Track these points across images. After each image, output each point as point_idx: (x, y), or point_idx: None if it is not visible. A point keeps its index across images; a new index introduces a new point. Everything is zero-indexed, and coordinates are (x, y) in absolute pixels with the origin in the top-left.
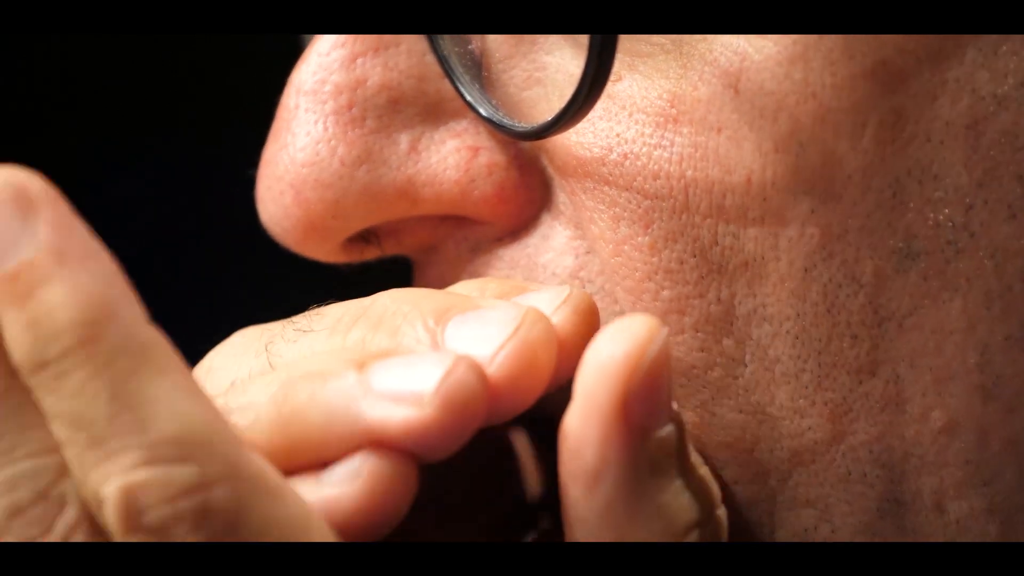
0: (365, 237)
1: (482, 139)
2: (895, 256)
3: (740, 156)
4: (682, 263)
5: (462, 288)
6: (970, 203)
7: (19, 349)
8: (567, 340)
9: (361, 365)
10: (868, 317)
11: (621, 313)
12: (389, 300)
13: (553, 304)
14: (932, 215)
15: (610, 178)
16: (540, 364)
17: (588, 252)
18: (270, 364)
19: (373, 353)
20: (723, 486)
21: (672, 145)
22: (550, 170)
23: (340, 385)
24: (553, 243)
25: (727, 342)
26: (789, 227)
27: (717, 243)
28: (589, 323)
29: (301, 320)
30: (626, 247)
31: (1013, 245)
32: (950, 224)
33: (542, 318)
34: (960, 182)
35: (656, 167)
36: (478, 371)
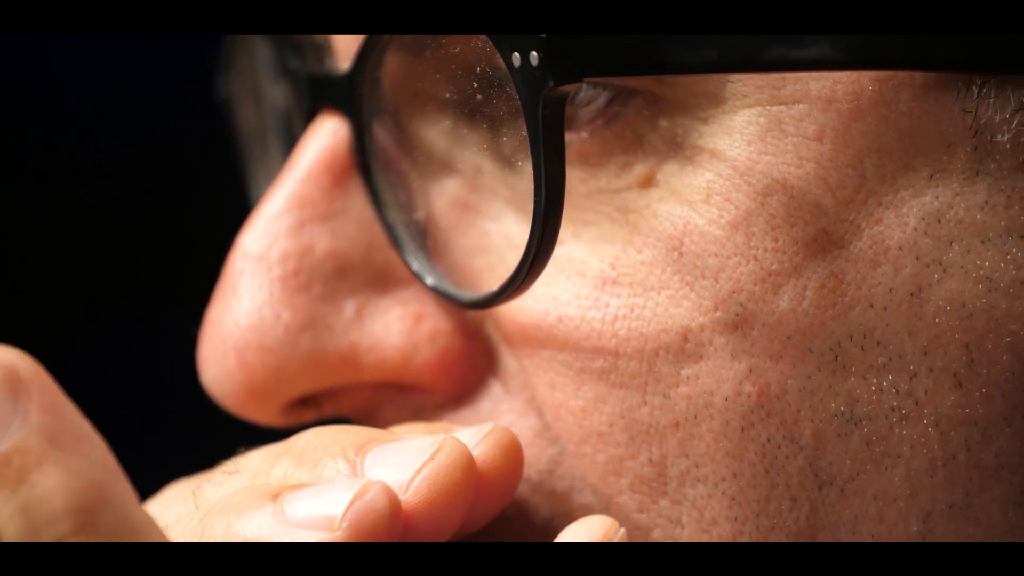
0: (304, 400)
1: (427, 306)
2: (837, 420)
3: (679, 314)
4: (612, 425)
5: (392, 428)
6: (915, 370)
7: (11, 532)
8: (487, 472)
9: (276, 496)
10: (808, 480)
11: (582, 479)
12: (311, 436)
13: (475, 438)
14: (875, 381)
15: (547, 342)
16: (456, 491)
17: (536, 417)
18: (196, 507)
19: (288, 485)
20: None
21: (607, 306)
22: (497, 336)
23: (255, 516)
24: (511, 406)
25: (663, 503)
26: (725, 385)
27: (646, 403)
28: (510, 457)
29: (228, 464)
30: (562, 411)
31: (958, 413)
32: (894, 391)
33: (460, 447)
34: (904, 349)
35: (588, 328)
36: (389, 494)
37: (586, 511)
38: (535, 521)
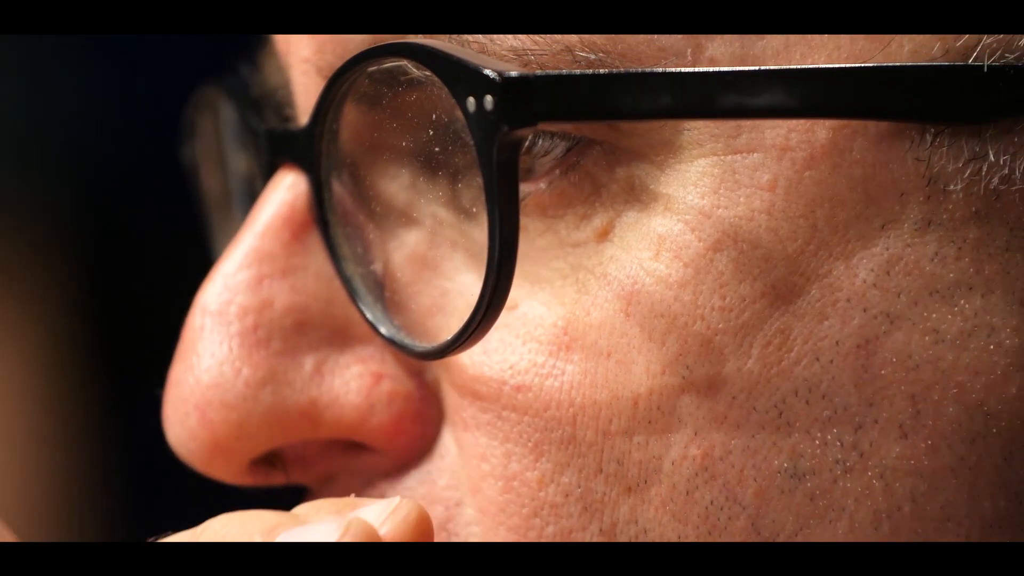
0: (270, 461)
1: (387, 366)
2: (780, 476)
3: (628, 379)
4: (567, 495)
5: (301, 509)
6: (860, 423)
7: None
8: None
9: None
10: (750, 539)
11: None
12: (219, 524)
13: (382, 516)
14: (819, 435)
15: (504, 411)
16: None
17: (458, 504)
18: None
19: None
20: None
21: (563, 374)
22: (451, 401)
23: None
24: (431, 488)
25: None
26: (672, 449)
27: (602, 470)
28: (419, 532)
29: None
30: (515, 483)
31: (903, 465)
32: (839, 443)
33: (365, 528)
34: (850, 401)
35: (547, 397)
36: None
37: None
38: None
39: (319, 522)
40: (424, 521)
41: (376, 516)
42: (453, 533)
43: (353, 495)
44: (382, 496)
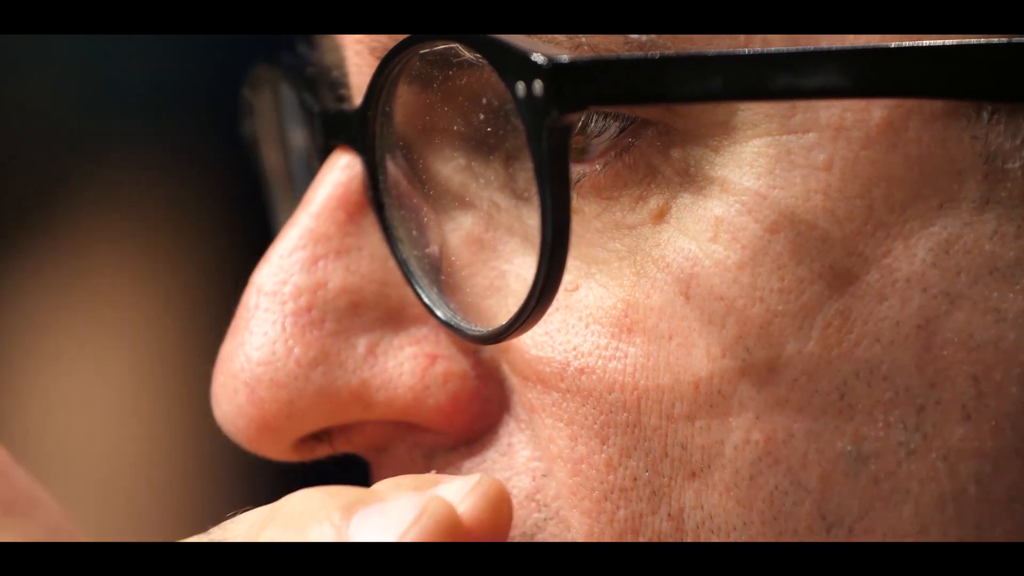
0: (317, 436)
1: (442, 347)
2: (843, 460)
3: (689, 362)
4: (636, 479)
5: (381, 485)
6: (922, 404)
7: None
8: (474, 528)
9: None
10: (816, 523)
11: (574, 541)
12: (298, 500)
13: (461, 492)
14: (882, 417)
15: (568, 393)
16: None
17: (545, 475)
18: None
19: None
20: None
21: (626, 356)
22: (511, 383)
23: None
24: (512, 461)
25: None
26: (735, 433)
27: (667, 454)
28: (498, 510)
29: (216, 531)
30: (583, 465)
31: (968, 446)
32: (901, 426)
33: (444, 508)
34: (911, 383)
35: (611, 379)
36: None
37: None
38: None
39: (397, 500)
40: (503, 499)
41: (455, 493)
42: (543, 504)
43: (434, 472)
44: (444, 470)
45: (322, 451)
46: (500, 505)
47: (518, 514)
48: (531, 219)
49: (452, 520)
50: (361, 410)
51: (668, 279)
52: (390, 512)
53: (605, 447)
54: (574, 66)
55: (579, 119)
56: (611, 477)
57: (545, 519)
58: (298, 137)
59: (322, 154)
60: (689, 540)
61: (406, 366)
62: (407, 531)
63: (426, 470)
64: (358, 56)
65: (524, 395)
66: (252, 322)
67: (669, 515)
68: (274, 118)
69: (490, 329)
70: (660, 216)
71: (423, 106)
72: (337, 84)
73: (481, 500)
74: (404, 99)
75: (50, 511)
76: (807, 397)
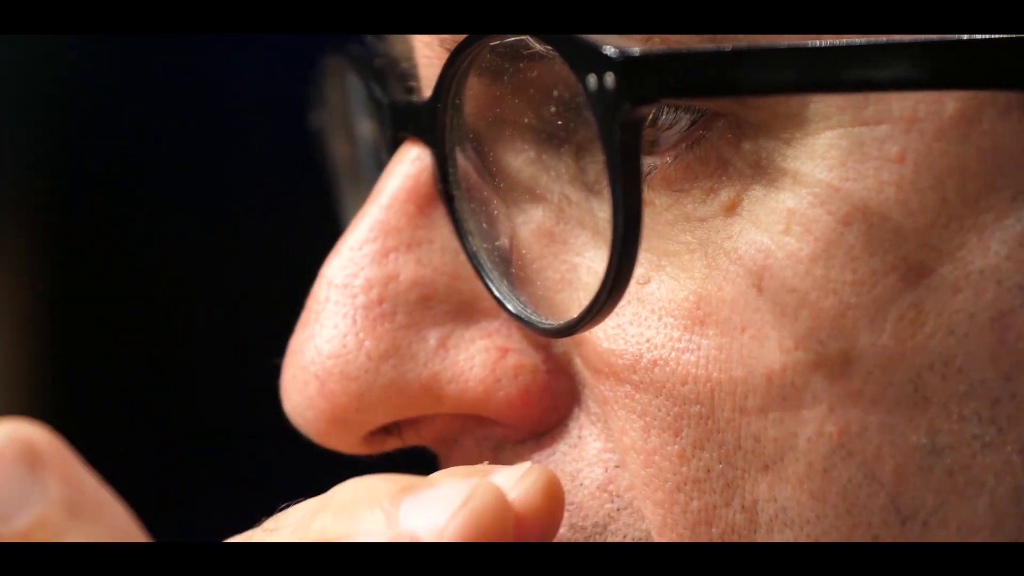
0: (387, 429)
1: (513, 340)
2: (918, 453)
3: (762, 354)
4: (709, 471)
5: (433, 475)
6: (997, 397)
7: None
8: (525, 515)
9: None
10: (890, 517)
11: (647, 531)
12: (348, 488)
13: (512, 479)
14: (957, 410)
15: (641, 385)
16: (492, 535)
17: (618, 466)
18: None
19: (322, 536)
20: None
21: (699, 348)
22: (583, 376)
23: None
24: (583, 452)
25: None
26: (808, 425)
27: (741, 447)
28: (549, 497)
29: (269, 521)
30: (656, 457)
31: None
32: (976, 418)
33: (493, 492)
34: (986, 375)
35: (684, 371)
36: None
37: None
38: None
39: (446, 485)
40: (555, 486)
41: (506, 480)
42: (616, 495)
43: (486, 462)
44: (512, 463)
45: (391, 444)
46: (551, 493)
47: (591, 504)
48: (601, 212)
49: (501, 505)
50: (431, 403)
51: (740, 271)
52: (439, 497)
53: (678, 439)
54: (646, 59)
55: (651, 112)
56: (684, 469)
57: (618, 509)
58: (366, 128)
59: (391, 146)
60: (763, 532)
61: (477, 359)
62: (455, 515)
63: (494, 463)
64: (427, 48)
65: (596, 388)
66: (323, 315)
67: (743, 507)
68: (342, 109)
69: (561, 322)
70: (731, 208)
71: (493, 98)
72: (406, 76)
73: (532, 487)
74: (474, 91)
75: (116, 514)
76: (881, 389)
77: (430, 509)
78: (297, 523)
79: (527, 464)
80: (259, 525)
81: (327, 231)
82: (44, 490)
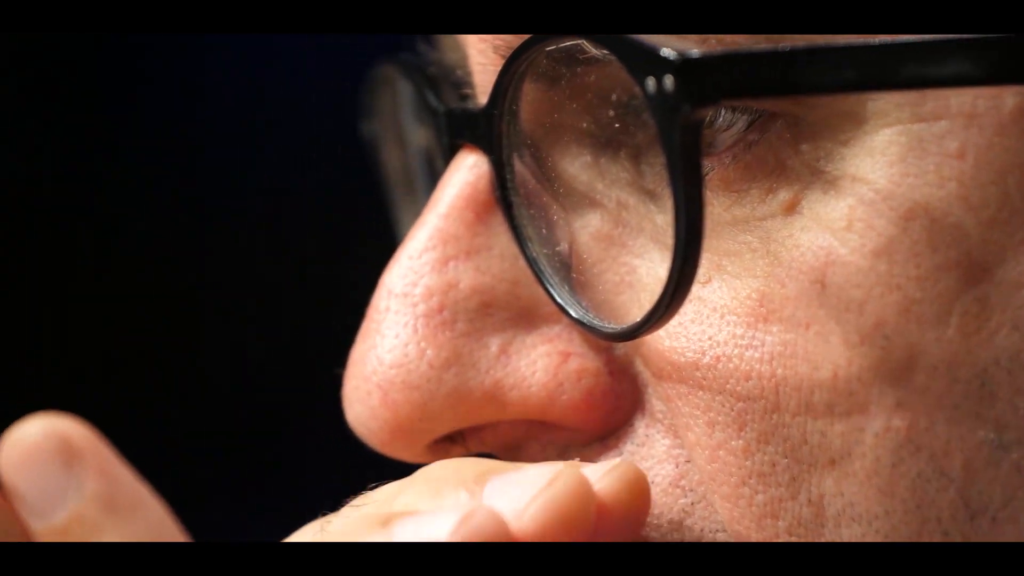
0: (451, 437)
1: (574, 344)
2: (986, 447)
3: (827, 351)
4: (774, 465)
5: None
6: None
7: None
8: (609, 506)
9: (387, 522)
10: (959, 512)
11: (720, 523)
12: (436, 468)
13: (599, 472)
14: (1023, 404)
15: (704, 382)
16: (572, 521)
17: (688, 461)
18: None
19: (401, 512)
20: None
21: (763, 344)
22: (645, 376)
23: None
24: (652, 451)
25: None
26: (875, 421)
27: (807, 441)
28: (635, 492)
29: (357, 499)
30: (721, 452)
31: None
32: None
33: (578, 478)
34: None
35: (748, 367)
36: (495, 520)
37: None
38: None
39: (529, 468)
40: (641, 483)
41: (594, 472)
42: (688, 489)
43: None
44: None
45: (456, 452)
46: (638, 488)
47: (664, 501)
48: (660, 215)
49: (584, 492)
50: (495, 410)
51: (803, 268)
52: (523, 480)
53: (742, 434)
54: (704, 60)
55: (710, 114)
56: (748, 463)
57: (692, 503)
58: (418, 136)
59: (448, 153)
60: (830, 527)
61: (539, 364)
62: (536, 496)
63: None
64: (482, 55)
65: (659, 387)
66: (383, 324)
67: (809, 501)
68: (393, 118)
69: (624, 326)
70: (791, 208)
71: (550, 104)
72: (460, 83)
73: (618, 480)
74: (530, 97)
75: (153, 510)
76: (947, 385)
77: (513, 490)
78: (383, 500)
79: (616, 460)
80: (345, 507)
81: (377, 239)
82: (80, 485)
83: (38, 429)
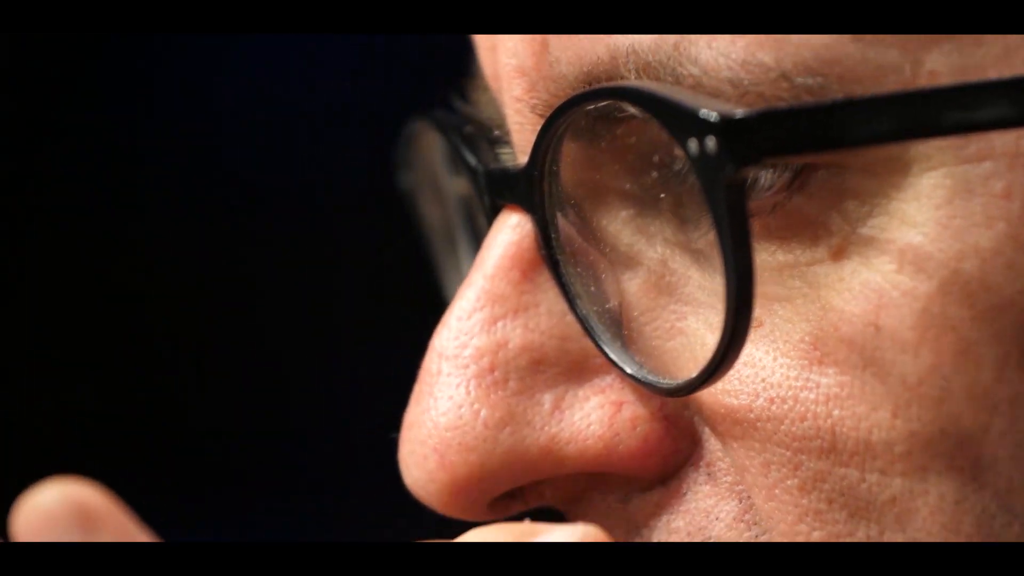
0: (511, 494)
1: (626, 393)
2: None
3: (885, 392)
4: (831, 503)
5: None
6: None
7: None
8: None
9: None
10: None
11: None
12: (474, 535)
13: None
14: None
15: (758, 423)
16: None
17: (750, 496)
18: None
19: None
20: None
21: (818, 387)
22: (698, 418)
23: None
24: (715, 488)
25: None
26: (937, 460)
27: (864, 480)
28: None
29: None
30: (777, 491)
31: None
32: None
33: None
34: None
35: (803, 408)
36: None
37: None
38: None
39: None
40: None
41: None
42: (753, 523)
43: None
44: (644, 509)
45: (516, 508)
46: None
47: (729, 536)
48: (707, 268)
49: None
50: (552, 466)
51: (856, 311)
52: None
53: (798, 472)
54: (746, 121)
55: (754, 172)
56: (805, 500)
57: (756, 536)
58: (456, 186)
59: (490, 213)
60: None
61: (593, 416)
62: None
63: (624, 515)
64: (519, 115)
65: (715, 429)
66: (436, 387)
67: (868, 537)
68: (429, 170)
69: (680, 382)
70: (840, 252)
71: (591, 163)
72: (496, 139)
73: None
74: (571, 156)
75: None
76: (1009, 422)
77: None
78: None
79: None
80: None
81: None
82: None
83: (54, 495)
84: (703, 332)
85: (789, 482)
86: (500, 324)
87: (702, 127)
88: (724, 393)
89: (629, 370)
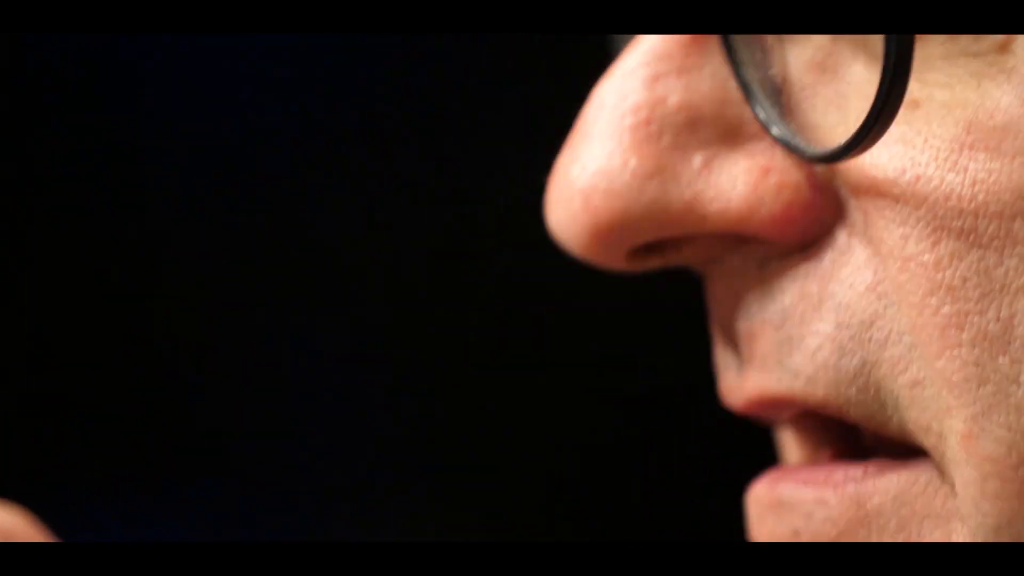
0: (650, 247)
1: (776, 160)
2: None
3: None
4: (965, 281)
5: None
6: None
7: None
8: None
9: None
10: None
11: (902, 330)
12: None
13: None
14: None
15: (902, 198)
16: None
17: (885, 269)
18: None
19: None
20: (983, 499)
21: (965, 170)
22: (844, 190)
23: None
24: (852, 258)
25: (1002, 360)
26: None
27: (1002, 264)
28: None
29: None
30: (912, 264)
31: None
32: None
33: None
34: None
35: (948, 189)
36: None
37: (897, 362)
38: None
39: None
40: None
41: None
42: (883, 294)
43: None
44: (781, 273)
45: (654, 262)
46: None
47: (858, 304)
48: (874, 43)
49: None
50: (694, 223)
51: (1014, 102)
52: None
53: (936, 248)
54: None
55: None
56: (938, 275)
57: (884, 307)
58: None
59: None
60: (1016, 346)
61: (740, 179)
62: None
63: (759, 278)
64: None
65: (859, 202)
66: (591, 135)
67: (998, 318)
68: None
69: (828, 149)
70: (1004, 47)
71: None
72: None
73: None
74: None
75: None
76: None
77: None
78: None
79: None
80: None
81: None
82: None
83: None
84: (859, 105)
85: (925, 257)
86: (662, 81)
87: None
88: (871, 166)
89: (776, 132)
